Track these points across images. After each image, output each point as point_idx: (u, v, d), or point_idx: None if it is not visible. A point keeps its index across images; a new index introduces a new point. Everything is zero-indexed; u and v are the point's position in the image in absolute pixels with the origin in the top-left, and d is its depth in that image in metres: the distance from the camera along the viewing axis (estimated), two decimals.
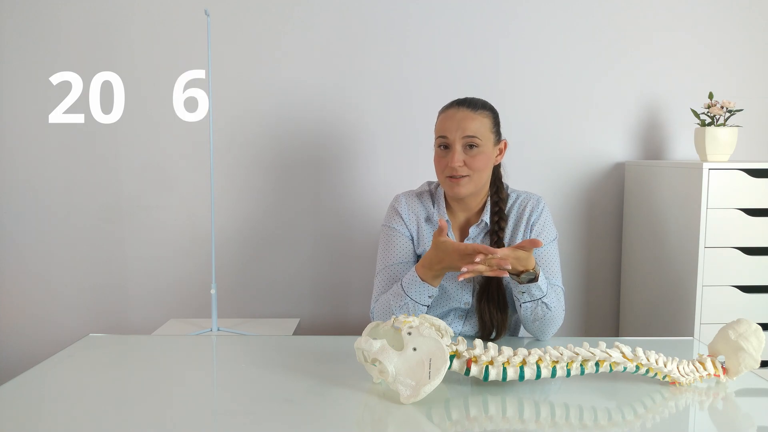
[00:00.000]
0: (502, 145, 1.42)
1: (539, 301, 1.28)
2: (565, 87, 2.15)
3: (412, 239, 1.44)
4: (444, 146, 1.36)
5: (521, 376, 0.97)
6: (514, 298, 1.32)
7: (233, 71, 2.11)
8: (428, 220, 1.44)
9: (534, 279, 1.24)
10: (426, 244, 1.42)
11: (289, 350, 1.20)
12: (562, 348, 0.99)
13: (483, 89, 2.09)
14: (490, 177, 1.41)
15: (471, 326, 1.43)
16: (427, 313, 1.45)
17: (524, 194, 1.45)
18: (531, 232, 1.41)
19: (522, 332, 1.57)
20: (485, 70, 2.14)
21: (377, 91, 2.13)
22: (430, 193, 1.47)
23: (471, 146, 1.33)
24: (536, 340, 1.36)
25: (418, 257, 1.45)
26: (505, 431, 0.87)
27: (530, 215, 1.41)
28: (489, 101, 1.44)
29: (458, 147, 1.33)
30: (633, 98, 2.17)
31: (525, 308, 1.29)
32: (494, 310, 1.35)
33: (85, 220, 2.16)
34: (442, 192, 1.44)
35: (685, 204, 1.79)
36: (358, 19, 2.11)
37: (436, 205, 1.44)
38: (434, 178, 1.52)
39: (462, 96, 1.44)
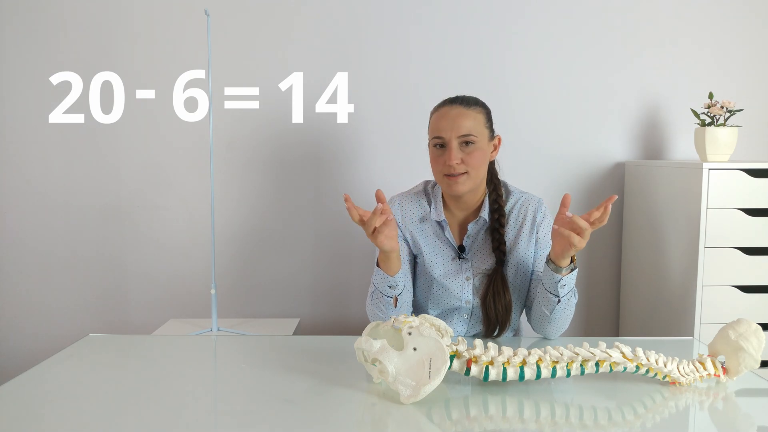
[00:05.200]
0: (496, 141, 1.42)
1: (573, 290, 1.28)
2: (565, 87, 2.15)
3: (407, 241, 1.44)
4: (440, 145, 1.36)
5: (521, 376, 0.97)
6: (547, 300, 1.29)
7: (233, 71, 2.11)
8: (423, 220, 1.44)
9: (574, 269, 1.25)
10: (422, 244, 1.43)
11: (289, 350, 1.20)
12: (562, 348, 0.99)
13: (483, 89, 2.09)
14: (486, 174, 1.41)
15: (473, 326, 1.43)
16: (428, 312, 1.45)
17: (525, 195, 1.45)
18: (537, 233, 1.41)
19: (523, 332, 1.57)
20: (485, 71, 2.14)
21: (377, 91, 2.13)
22: (425, 193, 1.47)
23: (467, 143, 1.33)
24: (539, 340, 1.36)
25: (414, 257, 1.46)
26: (505, 431, 0.87)
27: (534, 216, 1.41)
28: (489, 101, 1.45)
29: (454, 144, 1.33)
30: (633, 98, 2.17)
31: (562, 302, 1.27)
32: (500, 306, 1.35)
33: (85, 220, 2.16)
34: (439, 191, 1.44)
35: (685, 204, 1.79)
36: (358, 18, 2.11)
37: (432, 205, 1.44)
38: (432, 177, 1.51)
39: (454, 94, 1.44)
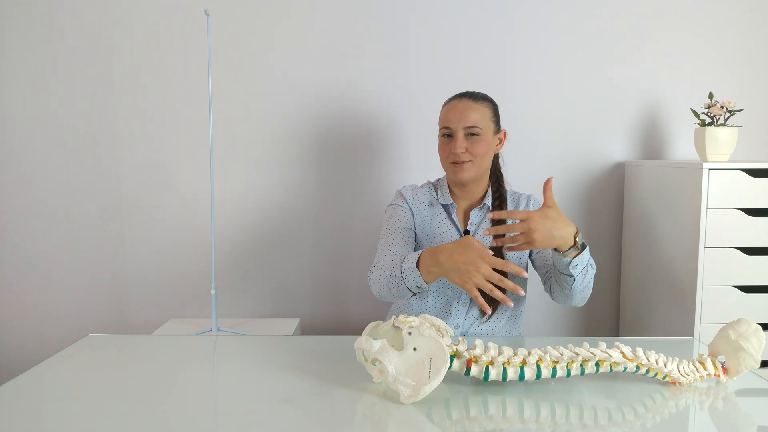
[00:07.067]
0: (501, 135, 1.52)
1: (588, 265, 1.29)
2: (565, 87, 2.15)
3: (414, 220, 1.52)
4: (447, 135, 1.46)
5: (521, 376, 0.97)
6: (562, 280, 1.31)
7: (233, 71, 2.11)
8: (431, 204, 1.53)
9: (583, 246, 1.25)
10: (429, 227, 1.50)
11: (289, 350, 1.20)
12: (562, 348, 0.99)
13: (485, 89, 2.08)
14: (490, 165, 1.51)
15: (472, 317, 1.47)
16: (429, 300, 1.50)
17: (518, 193, 1.57)
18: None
19: (523, 332, 1.57)
20: (487, 71, 2.14)
21: (379, 91, 2.13)
22: (431, 184, 1.58)
23: (472, 134, 1.43)
24: (539, 340, 1.36)
25: (415, 235, 1.52)
26: (505, 431, 0.87)
27: (526, 205, 1.52)
28: None
29: (460, 135, 1.43)
30: (633, 98, 2.17)
31: (578, 280, 1.29)
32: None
33: (85, 220, 2.16)
34: (444, 181, 1.55)
35: (685, 204, 1.79)
36: (360, 17, 2.11)
37: (439, 192, 1.54)
38: (435, 177, 1.59)
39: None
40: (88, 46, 2.09)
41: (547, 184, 1.22)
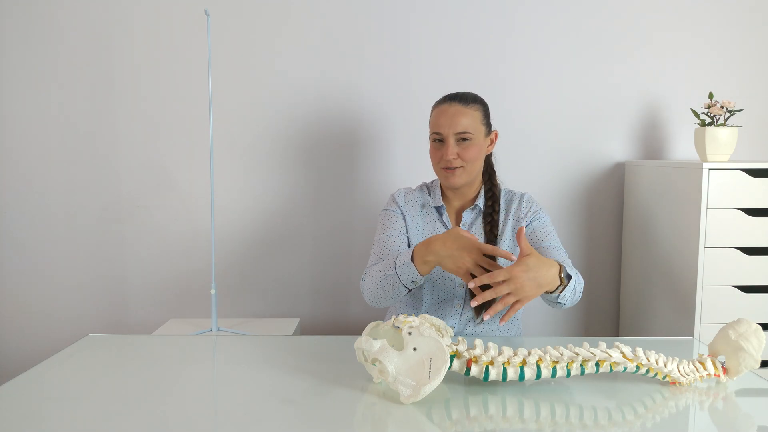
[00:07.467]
0: (492, 136, 1.51)
1: (575, 285, 1.28)
2: (565, 87, 2.15)
3: (406, 224, 1.50)
4: (438, 140, 1.44)
5: (521, 376, 0.97)
6: (553, 305, 1.33)
7: (233, 71, 2.11)
8: (423, 206, 1.53)
9: (568, 277, 1.23)
10: (420, 228, 1.50)
11: (289, 350, 1.20)
12: (562, 348, 0.99)
13: (484, 89, 2.09)
14: (482, 166, 1.50)
15: (467, 317, 1.47)
16: (423, 301, 1.49)
17: (512, 191, 1.55)
18: (527, 215, 1.48)
19: (523, 332, 1.57)
20: (487, 71, 2.14)
21: (378, 92, 2.13)
22: (425, 186, 1.58)
23: (463, 140, 1.41)
24: (539, 340, 1.36)
25: (407, 239, 1.51)
26: (505, 431, 0.87)
27: (519, 204, 1.50)
28: (488, 101, 1.52)
29: (451, 141, 1.41)
30: (633, 98, 2.17)
31: (568, 303, 1.29)
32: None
33: (85, 220, 2.16)
34: (437, 183, 1.54)
35: (685, 204, 1.79)
36: (360, 17, 2.11)
37: (431, 194, 1.53)
38: (430, 179, 1.59)
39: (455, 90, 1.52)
40: (88, 46, 2.09)
41: (520, 234, 1.16)
